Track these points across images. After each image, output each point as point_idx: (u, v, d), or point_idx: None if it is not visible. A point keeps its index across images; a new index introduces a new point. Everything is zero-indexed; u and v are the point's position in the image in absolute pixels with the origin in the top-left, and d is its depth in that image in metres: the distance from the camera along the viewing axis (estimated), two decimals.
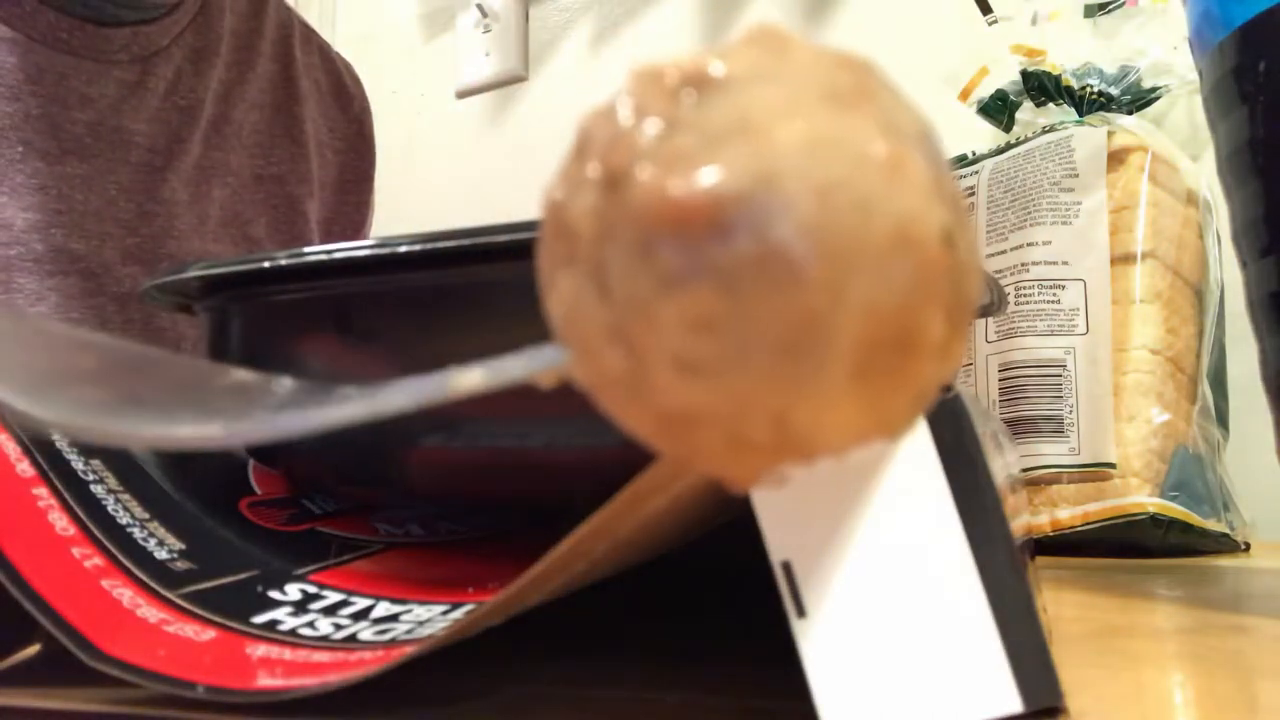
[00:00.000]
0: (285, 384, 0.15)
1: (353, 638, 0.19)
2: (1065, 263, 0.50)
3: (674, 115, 0.10)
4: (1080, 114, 0.54)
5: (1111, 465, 0.48)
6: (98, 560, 0.20)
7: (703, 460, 0.11)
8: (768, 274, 0.10)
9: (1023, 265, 0.51)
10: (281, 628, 0.19)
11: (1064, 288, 0.50)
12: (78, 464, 0.22)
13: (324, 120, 0.65)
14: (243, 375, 0.15)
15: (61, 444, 0.23)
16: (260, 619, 0.20)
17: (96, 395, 0.14)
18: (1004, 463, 0.19)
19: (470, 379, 0.12)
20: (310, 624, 0.20)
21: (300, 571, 0.22)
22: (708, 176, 0.10)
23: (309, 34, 0.66)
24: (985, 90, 0.57)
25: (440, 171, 1.16)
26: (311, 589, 0.22)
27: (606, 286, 0.10)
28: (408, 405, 0.12)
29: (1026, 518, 0.37)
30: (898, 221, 0.10)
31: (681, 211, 0.10)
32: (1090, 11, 0.56)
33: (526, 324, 0.21)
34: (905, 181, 0.10)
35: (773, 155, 0.10)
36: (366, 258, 0.21)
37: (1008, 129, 0.57)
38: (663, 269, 0.10)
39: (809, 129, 0.10)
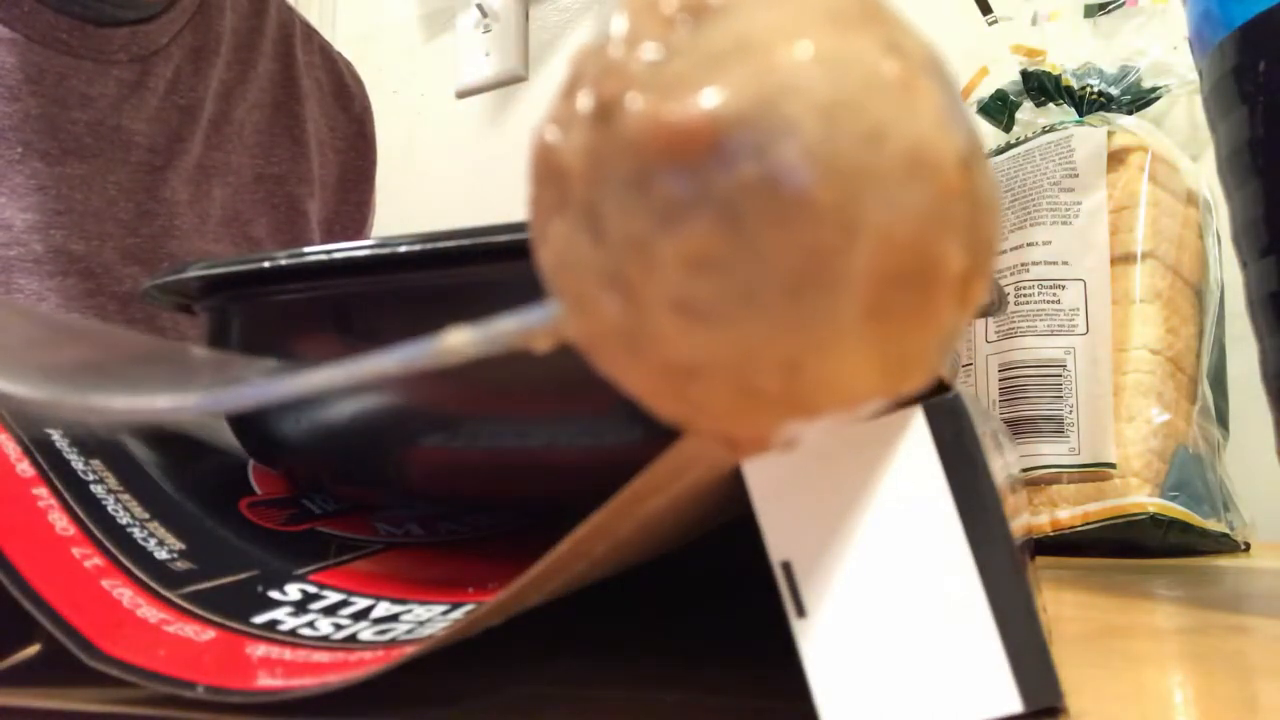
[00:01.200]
0: (269, 363, 0.15)
1: (353, 638, 0.19)
2: (1065, 263, 0.50)
3: (669, 41, 0.10)
4: (1080, 114, 0.54)
5: (1111, 465, 0.48)
6: (98, 560, 0.20)
7: (707, 419, 0.10)
8: (773, 202, 0.09)
9: (1023, 265, 0.51)
10: (281, 628, 0.19)
11: (1064, 288, 0.50)
12: (78, 464, 0.22)
13: (325, 119, 0.65)
14: (223, 355, 0.15)
15: (61, 444, 0.23)
16: (260, 619, 0.20)
17: (71, 363, 0.14)
18: (1004, 463, 0.19)
19: (460, 340, 0.11)
20: (310, 624, 0.20)
21: (300, 571, 0.22)
22: (706, 99, 0.09)
23: (310, 33, 0.66)
24: (985, 90, 0.57)
25: (440, 171, 1.16)
26: (311, 589, 0.22)
27: (601, 229, 0.10)
28: (395, 368, 0.12)
29: (1026, 518, 0.37)
30: (911, 144, 0.09)
31: (678, 137, 0.09)
32: (1090, 11, 0.56)
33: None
34: (917, 102, 0.09)
35: (774, 75, 0.09)
36: (366, 258, 0.21)
37: (1008, 129, 0.57)
38: (660, 203, 0.09)
39: (812, 48, 0.09)
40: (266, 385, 0.13)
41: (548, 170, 0.10)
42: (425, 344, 0.12)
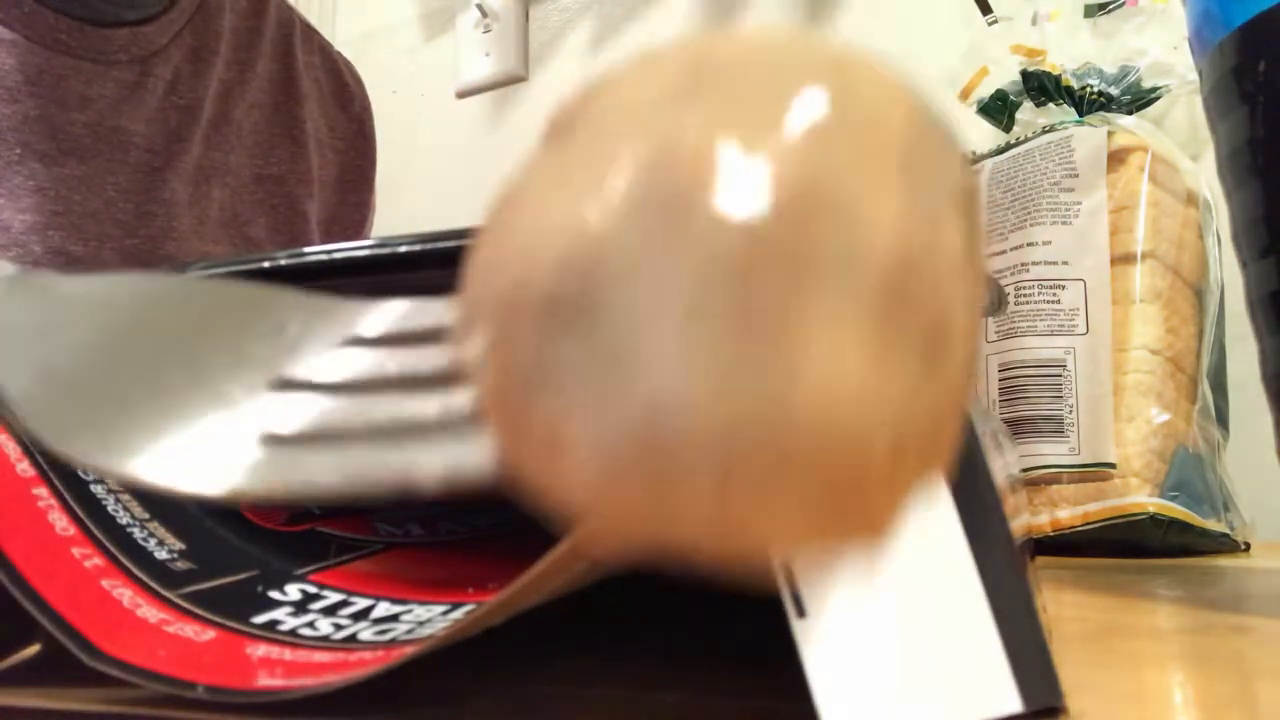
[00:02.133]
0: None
1: (353, 638, 0.19)
2: (1065, 263, 0.50)
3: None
4: (1080, 114, 0.54)
5: (1111, 465, 0.48)
6: (98, 560, 0.20)
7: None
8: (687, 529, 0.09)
9: (1023, 265, 0.51)
10: (282, 628, 0.19)
11: (1064, 288, 0.50)
12: None
13: (324, 120, 0.65)
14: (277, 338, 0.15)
15: None
16: (260, 619, 0.20)
17: (86, 350, 0.14)
18: (1004, 463, 0.19)
19: (428, 482, 0.12)
20: (310, 624, 0.20)
21: (300, 571, 0.22)
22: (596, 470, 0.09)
23: (310, 33, 0.66)
24: (985, 90, 0.57)
25: (440, 171, 1.16)
26: (311, 589, 0.22)
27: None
28: (377, 490, 0.12)
29: (1026, 518, 0.37)
30: (824, 476, 0.09)
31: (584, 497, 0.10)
32: (1090, 11, 0.56)
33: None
34: (831, 431, 0.09)
35: (662, 430, 0.09)
36: (366, 258, 0.21)
37: (1008, 129, 0.57)
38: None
39: (704, 385, 0.08)
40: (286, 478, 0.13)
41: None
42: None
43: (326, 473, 0.13)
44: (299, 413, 0.14)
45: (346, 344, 0.15)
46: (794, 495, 0.09)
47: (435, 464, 0.13)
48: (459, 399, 0.13)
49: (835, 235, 0.08)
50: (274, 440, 0.14)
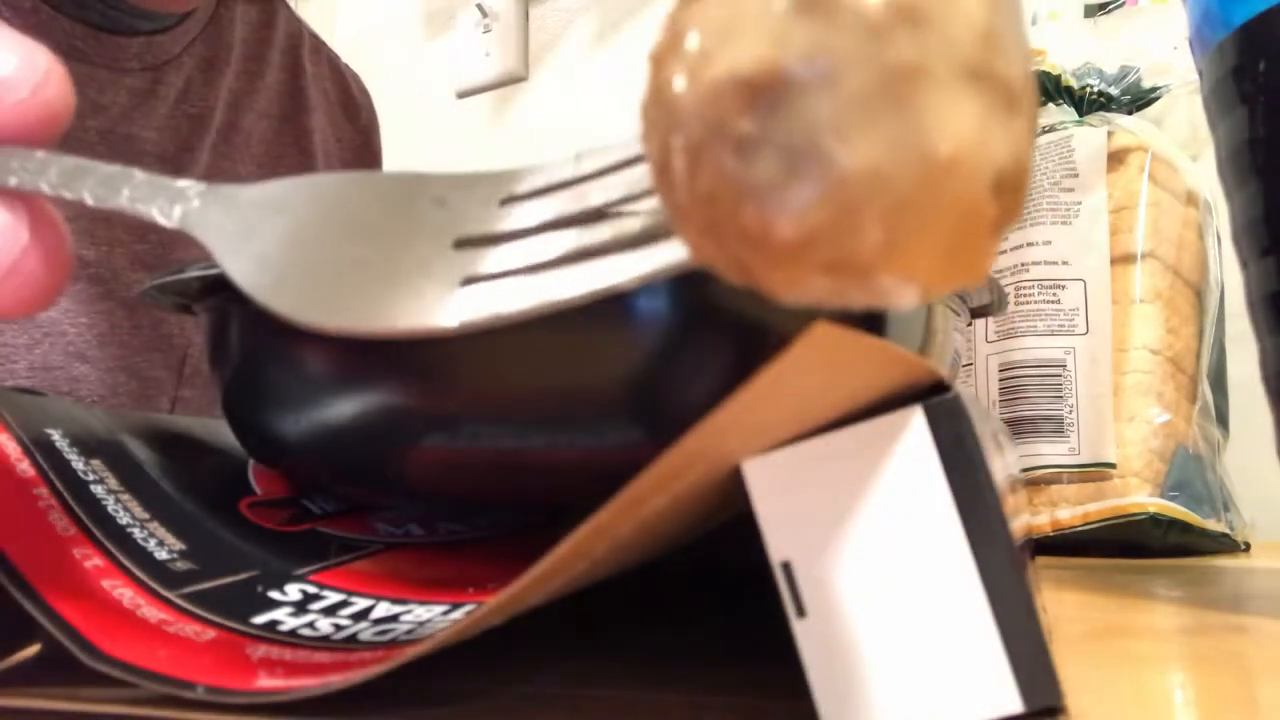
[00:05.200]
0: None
1: (353, 638, 0.19)
2: (1065, 263, 0.51)
3: (747, 141, 0.12)
4: (1080, 114, 0.54)
5: (1111, 465, 0.48)
6: (98, 560, 0.20)
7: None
8: (859, 270, 0.11)
9: (1023, 265, 0.51)
10: (282, 628, 0.19)
11: (1064, 288, 0.50)
12: (78, 464, 0.22)
13: (331, 130, 0.65)
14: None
15: (61, 444, 0.23)
16: (260, 619, 0.20)
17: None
18: (1004, 463, 0.19)
19: (627, 281, 0.14)
20: (310, 624, 0.20)
21: (300, 572, 0.22)
22: (800, 220, 0.12)
23: (318, 45, 0.66)
24: None
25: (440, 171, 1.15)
26: (311, 589, 0.22)
27: (721, 241, 0.12)
28: (578, 300, 0.14)
29: (1026, 518, 0.37)
30: (955, 211, 0.11)
31: (786, 247, 0.12)
32: (1090, 11, 0.56)
33: (526, 322, 0.21)
34: (957, 174, 0.11)
35: (845, 186, 0.11)
36: None
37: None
38: (771, 258, 0.12)
39: (869, 151, 0.11)
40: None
41: (665, 184, 0.13)
42: (600, 281, 0.14)
43: (531, 296, 0.15)
44: (489, 258, 0.16)
45: (505, 202, 0.16)
46: (937, 230, 0.11)
47: (630, 269, 0.14)
48: (630, 222, 0.15)
49: (943, 20, 0.11)
50: (475, 280, 0.15)
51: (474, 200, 0.16)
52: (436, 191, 0.17)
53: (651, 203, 0.15)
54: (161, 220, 0.17)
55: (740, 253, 0.12)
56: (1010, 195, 0.12)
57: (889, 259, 0.11)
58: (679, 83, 0.12)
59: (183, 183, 0.18)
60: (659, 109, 0.13)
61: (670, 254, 0.14)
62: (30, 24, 0.48)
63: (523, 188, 0.16)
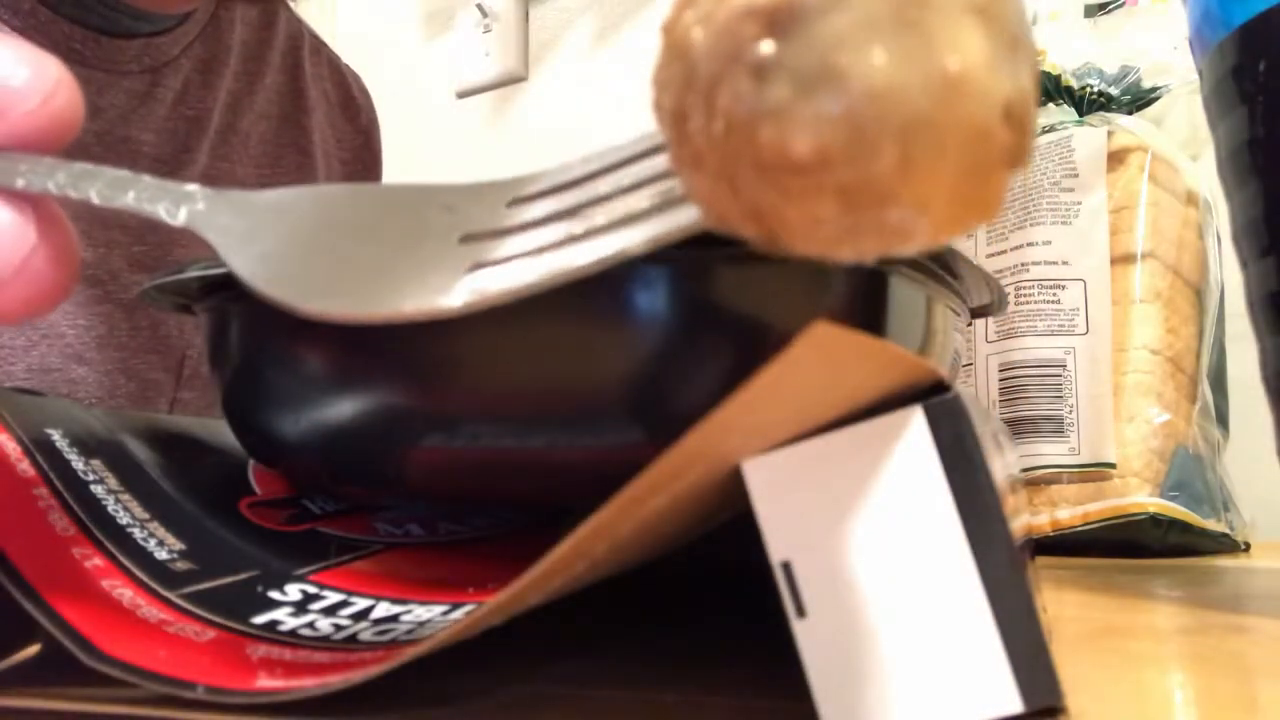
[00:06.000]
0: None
1: (353, 638, 0.19)
2: (1065, 263, 0.50)
3: (764, 63, 0.12)
4: (1080, 114, 0.54)
5: (1111, 465, 0.48)
6: (98, 560, 0.20)
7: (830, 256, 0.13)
8: (869, 187, 0.12)
9: (1023, 265, 0.51)
10: (282, 628, 0.19)
11: (1064, 288, 0.50)
12: (78, 464, 0.22)
13: (332, 131, 0.65)
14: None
15: (61, 444, 0.23)
16: (260, 619, 0.20)
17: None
18: (1004, 463, 0.19)
19: (637, 248, 0.14)
20: (310, 624, 0.20)
21: (300, 572, 0.22)
22: (817, 136, 0.12)
23: (318, 45, 0.66)
24: None
25: (440, 171, 1.16)
26: (311, 589, 0.22)
27: (736, 188, 0.13)
28: (591, 269, 0.15)
29: (1026, 518, 0.37)
30: (967, 131, 0.12)
31: (800, 162, 0.12)
32: (1090, 11, 0.56)
33: (527, 321, 0.21)
34: (967, 92, 0.12)
35: (860, 102, 0.12)
36: None
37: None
38: (785, 190, 0.12)
39: (882, 67, 0.12)
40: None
41: (680, 135, 0.13)
42: (610, 248, 0.15)
43: (538, 271, 0.15)
44: (495, 248, 0.16)
45: (514, 204, 0.16)
46: (950, 151, 0.12)
47: (639, 236, 0.15)
48: (638, 199, 0.15)
49: None
50: (482, 265, 0.16)
51: (483, 205, 0.17)
52: (444, 199, 0.17)
53: (663, 186, 0.15)
54: (167, 219, 0.17)
55: (755, 191, 0.13)
56: (1019, 129, 0.12)
57: (904, 179, 0.12)
58: (695, 32, 0.13)
59: (190, 187, 0.18)
60: (674, 64, 0.13)
61: (681, 218, 0.14)
62: (29, 26, 0.48)
63: (531, 189, 0.16)
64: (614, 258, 0.15)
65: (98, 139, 0.50)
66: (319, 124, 0.63)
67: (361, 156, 0.67)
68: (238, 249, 0.17)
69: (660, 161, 0.15)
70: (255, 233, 0.17)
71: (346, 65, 0.69)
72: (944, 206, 0.12)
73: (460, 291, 0.15)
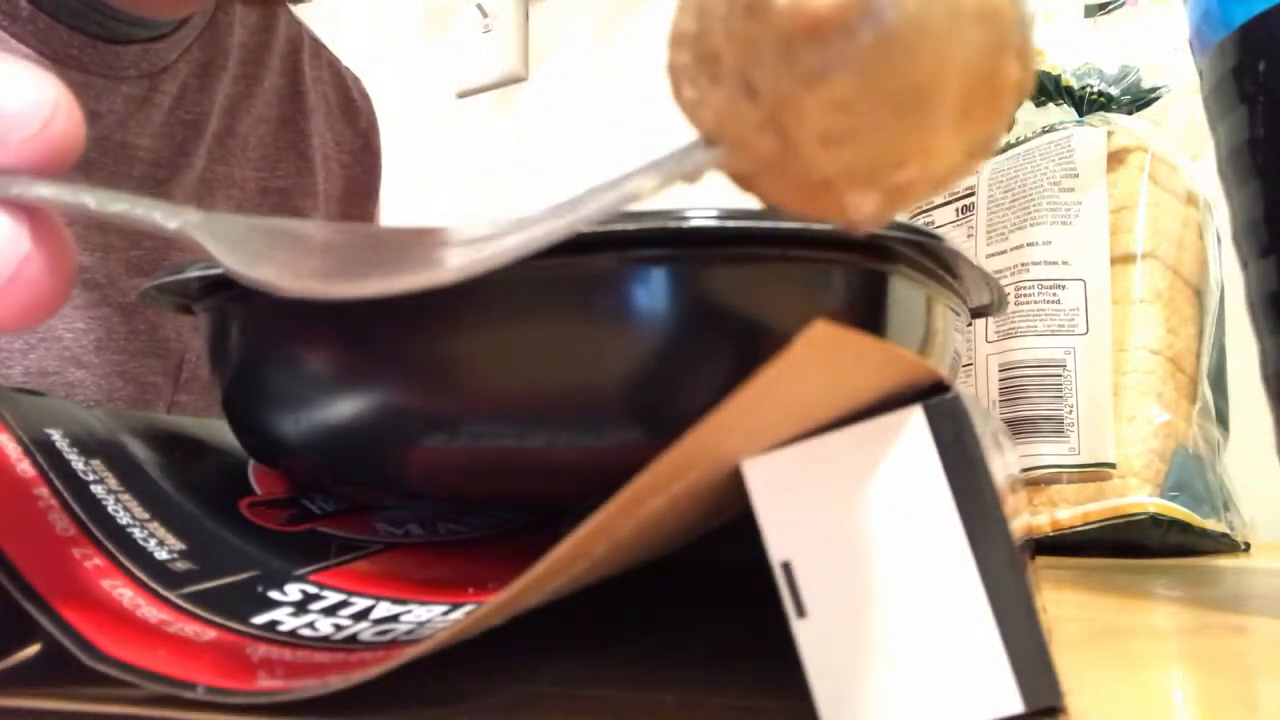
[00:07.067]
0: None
1: (353, 638, 0.19)
2: (1065, 263, 0.50)
3: None
4: (1080, 114, 0.54)
5: (1111, 465, 0.48)
6: (98, 560, 0.20)
7: (836, 215, 0.14)
8: (888, 57, 0.12)
9: (1023, 265, 0.51)
10: (282, 628, 0.19)
11: (1064, 288, 0.50)
12: (78, 464, 0.22)
13: (331, 134, 0.65)
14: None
15: (61, 444, 0.23)
16: (260, 619, 0.20)
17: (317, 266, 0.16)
18: (1004, 463, 0.19)
19: (645, 185, 0.14)
20: (310, 624, 0.20)
21: (300, 572, 0.22)
22: None
23: (318, 48, 0.66)
24: None
25: (440, 172, 1.16)
26: (311, 589, 0.22)
27: (754, 91, 0.13)
28: (599, 216, 0.14)
29: (1026, 518, 0.37)
30: (979, 2, 0.12)
31: (818, 22, 0.12)
32: (1090, 11, 0.56)
33: (527, 322, 0.21)
34: None
35: None
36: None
37: (1008, 129, 0.57)
38: (805, 68, 0.13)
39: None
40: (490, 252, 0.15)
41: (698, 55, 0.14)
42: (620, 190, 0.15)
43: (538, 230, 0.15)
44: (491, 236, 0.16)
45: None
46: (968, 20, 0.12)
47: (649, 182, 0.15)
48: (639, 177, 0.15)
49: None
50: (476, 240, 0.16)
51: (479, 226, 0.17)
52: (440, 233, 0.17)
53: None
54: (161, 222, 0.17)
55: (774, 81, 0.13)
56: (1024, 61, 0.13)
57: (920, 37, 0.12)
58: None
59: (186, 208, 0.18)
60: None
61: (692, 158, 0.14)
62: (27, 33, 0.48)
63: (529, 215, 0.16)
64: (623, 199, 0.14)
65: (95, 144, 0.50)
66: (318, 127, 0.63)
67: (361, 159, 0.67)
68: (228, 250, 0.17)
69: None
70: (247, 237, 0.17)
71: (346, 68, 0.69)
72: (955, 98, 0.12)
73: (453, 262, 0.15)
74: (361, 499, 0.28)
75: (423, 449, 0.22)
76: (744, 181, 0.15)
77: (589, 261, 0.20)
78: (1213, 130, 0.31)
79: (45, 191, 0.18)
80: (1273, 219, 0.28)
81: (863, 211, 0.14)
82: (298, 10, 0.63)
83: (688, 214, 0.19)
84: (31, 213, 0.18)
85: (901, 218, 0.18)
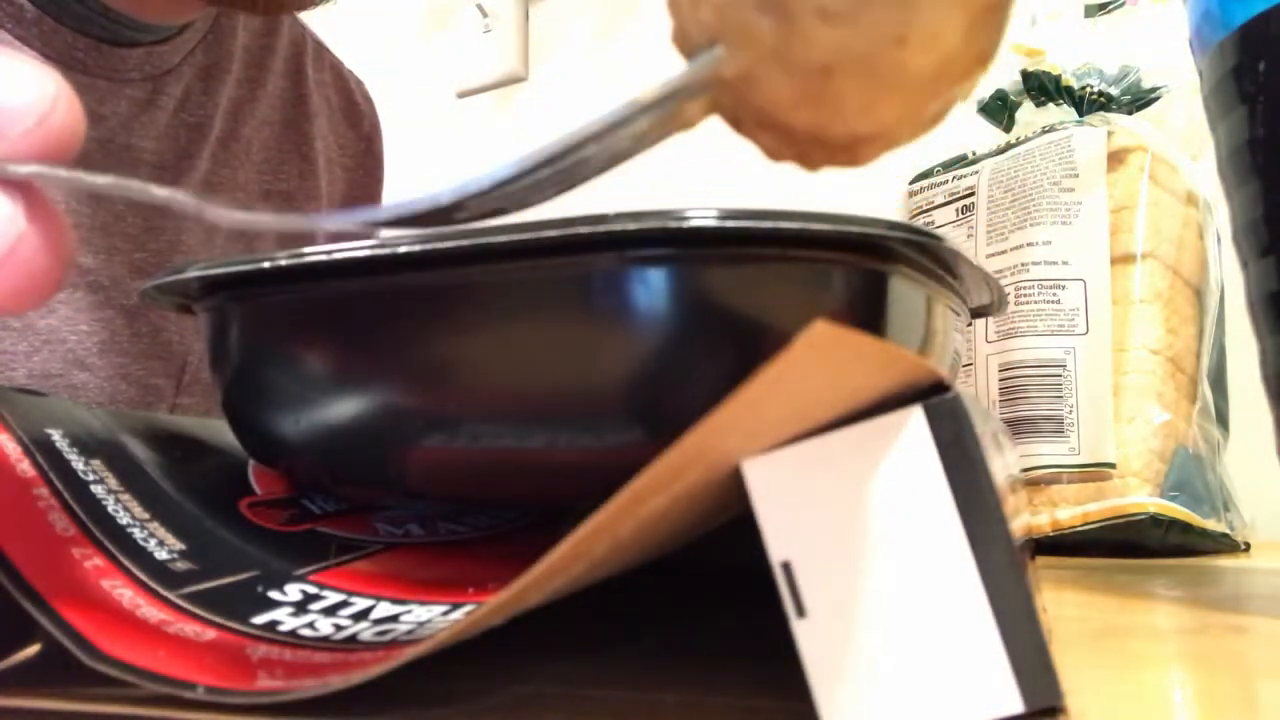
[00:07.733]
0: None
1: (353, 638, 0.19)
2: (1065, 263, 0.50)
3: None
4: (1080, 114, 0.54)
5: (1111, 465, 0.48)
6: (98, 560, 0.20)
7: (838, 119, 0.14)
8: None
9: (1023, 265, 0.51)
10: (282, 628, 0.19)
11: (1064, 288, 0.50)
12: (78, 464, 0.22)
13: (334, 137, 0.65)
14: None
15: (61, 444, 0.23)
16: (260, 619, 0.20)
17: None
18: (1004, 463, 0.19)
19: (648, 95, 0.15)
20: (310, 624, 0.20)
21: (300, 572, 0.22)
22: None
23: (321, 51, 0.66)
24: (985, 90, 0.57)
25: (440, 172, 1.16)
26: (311, 589, 0.22)
27: None
28: (599, 131, 0.15)
29: (1026, 518, 0.37)
30: None
31: None
32: (1090, 11, 0.56)
33: (527, 322, 0.21)
34: None
35: None
36: (366, 258, 0.21)
37: (1008, 129, 0.57)
38: None
39: None
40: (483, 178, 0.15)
41: None
42: (625, 107, 0.15)
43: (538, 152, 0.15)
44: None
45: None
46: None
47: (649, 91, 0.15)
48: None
49: None
50: (466, 201, 0.16)
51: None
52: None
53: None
54: (154, 190, 0.17)
55: None
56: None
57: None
58: None
59: (176, 188, 0.18)
60: None
61: (688, 69, 0.15)
62: (32, 35, 0.48)
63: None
64: (624, 109, 0.15)
65: (99, 146, 0.50)
66: (321, 130, 0.63)
67: (364, 163, 0.67)
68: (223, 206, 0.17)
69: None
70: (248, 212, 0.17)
71: (349, 70, 0.69)
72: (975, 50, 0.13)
73: (447, 192, 0.15)
74: (361, 499, 0.28)
75: (423, 449, 0.22)
76: (743, 90, 0.14)
77: (589, 261, 0.20)
78: (1213, 130, 0.31)
79: (36, 168, 0.18)
80: (1273, 219, 0.28)
81: (862, 111, 0.14)
82: (301, 14, 0.63)
83: (687, 214, 0.19)
84: (26, 193, 0.18)
85: (901, 218, 0.18)
